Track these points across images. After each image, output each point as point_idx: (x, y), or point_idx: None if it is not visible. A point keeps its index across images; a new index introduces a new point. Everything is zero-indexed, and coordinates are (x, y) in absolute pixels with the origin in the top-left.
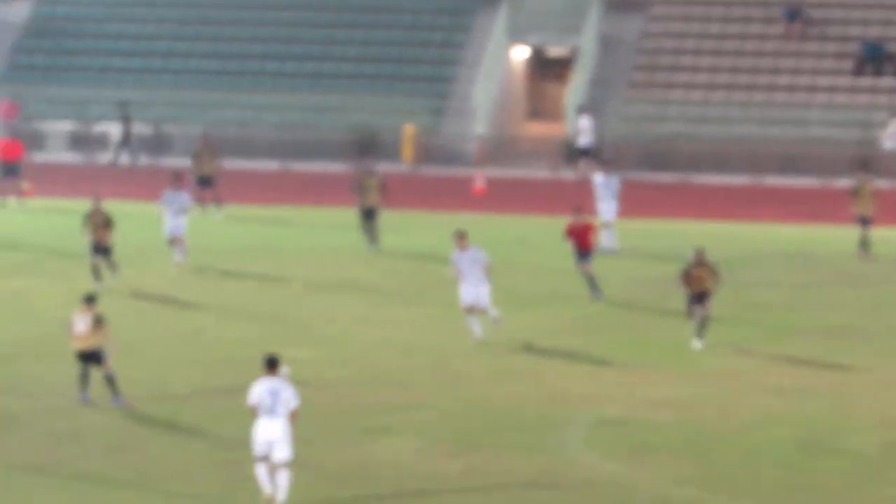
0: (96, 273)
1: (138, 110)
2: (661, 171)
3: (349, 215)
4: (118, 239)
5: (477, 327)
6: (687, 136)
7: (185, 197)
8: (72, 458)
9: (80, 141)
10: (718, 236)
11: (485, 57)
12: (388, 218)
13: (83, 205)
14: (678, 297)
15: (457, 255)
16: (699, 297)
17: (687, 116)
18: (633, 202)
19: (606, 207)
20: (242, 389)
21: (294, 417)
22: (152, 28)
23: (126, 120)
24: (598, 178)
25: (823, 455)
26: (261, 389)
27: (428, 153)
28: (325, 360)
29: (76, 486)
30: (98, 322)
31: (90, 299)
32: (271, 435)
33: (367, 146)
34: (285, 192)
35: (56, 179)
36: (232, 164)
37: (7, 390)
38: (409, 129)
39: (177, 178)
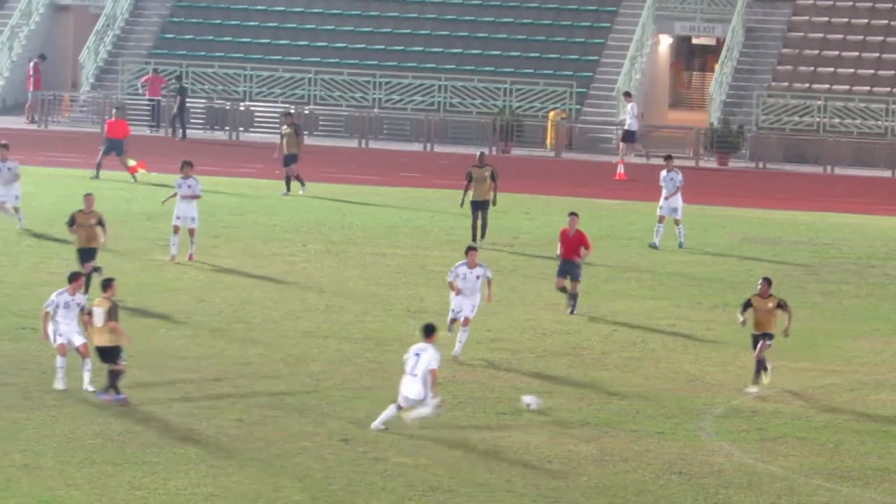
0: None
1: (285, 88)
2: (803, 163)
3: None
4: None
5: (460, 342)
6: (829, 129)
7: None
8: (202, 434)
9: (225, 118)
10: (858, 229)
11: (630, 44)
12: (532, 202)
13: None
14: (813, 286)
15: (465, 271)
16: (761, 336)
17: (830, 109)
18: (775, 193)
19: (665, 204)
20: (377, 370)
21: (433, 377)
22: (301, 6)
23: (182, 93)
24: (662, 173)
25: None
26: (410, 351)
27: (571, 139)
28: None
29: (207, 462)
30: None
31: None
32: (410, 393)
33: (511, 131)
34: (428, 175)
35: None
36: (376, 144)
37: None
38: (553, 115)
39: None
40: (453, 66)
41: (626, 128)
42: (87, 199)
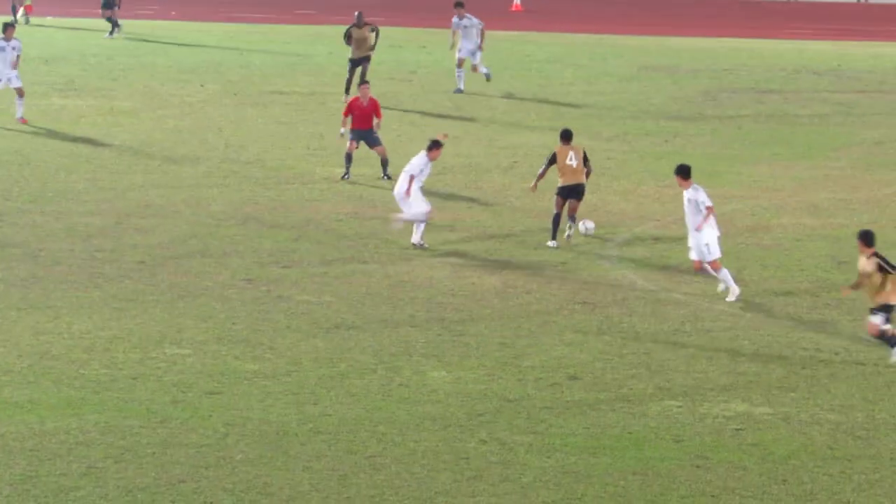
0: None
1: None
2: None
3: None
4: None
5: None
6: None
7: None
8: (105, 277)
9: None
10: (756, 54)
11: None
12: (428, 37)
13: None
14: (712, 111)
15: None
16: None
17: None
18: (672, 20)
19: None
20: (278, 208)
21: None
22: None
23: None
24: (454, 20)
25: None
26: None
27: None
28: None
29: (111, 305)
30: None
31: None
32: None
33: None
34: (324, 12)
35: None
36: None
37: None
38: None
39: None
40: None
41: None
42: None
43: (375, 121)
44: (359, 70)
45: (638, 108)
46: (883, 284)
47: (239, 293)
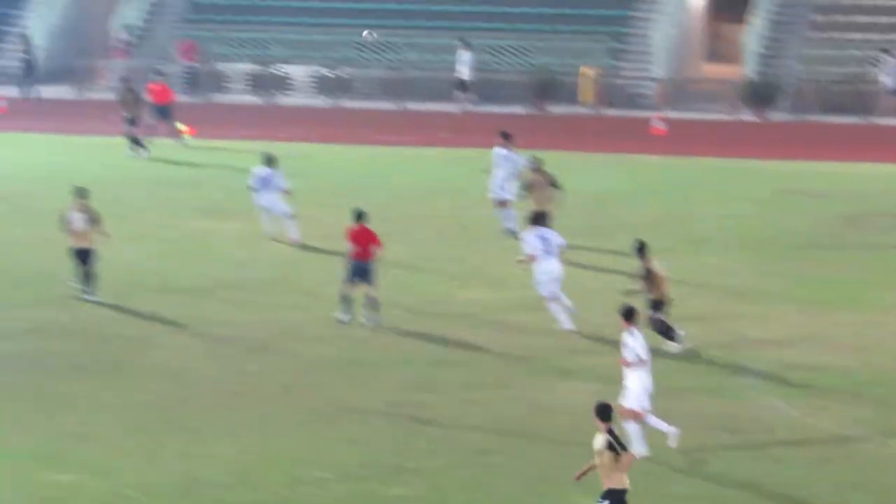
0: None
1: (319, 50)
2: (841, 113)
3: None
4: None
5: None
6: (868, 79)
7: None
8: (250, 401)
9: (259, 82)
10: None
11: None
12: (569, 159)
13: (259, 145)
14: (853, 237)
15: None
16: None
17: (867, 58)
18: (812, 145)
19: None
20: (420, 335)
21: None
22: None
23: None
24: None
25: None
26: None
27: (607, 95)
28: (503, 301)
29: (255, 429)
30: None
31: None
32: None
33: (546, 88)
34: (464, 134)
35: (235, 120)
36: (416, 105)
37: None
38: (587, 71)
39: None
40: (485, 25)
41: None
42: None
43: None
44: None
45: (776, 231)
46: None
47: (382, 417)
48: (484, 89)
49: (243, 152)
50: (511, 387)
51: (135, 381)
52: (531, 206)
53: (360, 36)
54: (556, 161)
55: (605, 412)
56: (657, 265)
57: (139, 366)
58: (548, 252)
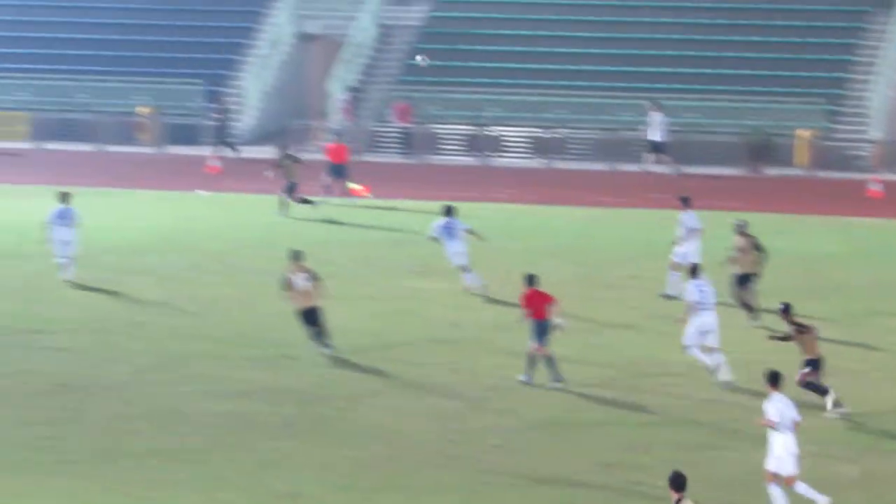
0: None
1: (533, 111)
2: None
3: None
4: None
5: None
6: None
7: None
8: (460, 458)
9: (473, 143)
10: None
11: (880, 60)
12: (783, 221)
13: (472, 206)
14: None
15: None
16: None
17: None
18: None
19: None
20: (638, 390)
21: None
22: (546, 30)
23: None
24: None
25: None
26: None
27: (822, 157)
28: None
29: (465, 488)
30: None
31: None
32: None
33: (761, 150)
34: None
35: (449, 181)
36: (626, 167)
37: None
38: (803, 134)
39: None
40: (701, 87)
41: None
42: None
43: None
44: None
45: None
46: None
47: (597, 478)
48: (697, 151)
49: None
50: (724, 448)
51: (345, 439)
52: (736, 269)
53: (504, 96)
54: (772, 223)
55: (676, 482)
56: (807, 326)
57: (350, 424)
58: (705, 304)
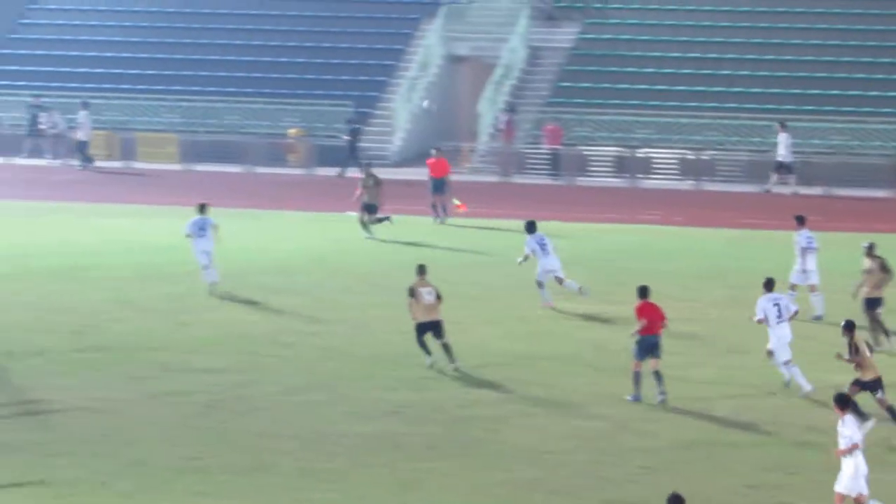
0: None
1: (682, 134)
2: None
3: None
4: None
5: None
6: None
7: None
8: (610, 481)
9: (622, 165)
10: None
11: None
12: None
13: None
14: None
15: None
16: None
17: None
18: None
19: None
20: (784, 411)
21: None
22: (697, 52)
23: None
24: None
25: None
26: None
27: None
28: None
29: None
30: None
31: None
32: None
33: None
34: (829, 219)
35: (598, 203)
36: (777, 189)
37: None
38: None
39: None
40: (849, 109)
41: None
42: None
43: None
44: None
45: None
46: None
47: (742, 499)
48: (845, 172)
49: (608, 233)
50: (871, 469)
51: (493, 460)
52: (864, 290)
53: (652, 117)
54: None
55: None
56: (864, 345)
57: (497, 445)
58: (780, 318)
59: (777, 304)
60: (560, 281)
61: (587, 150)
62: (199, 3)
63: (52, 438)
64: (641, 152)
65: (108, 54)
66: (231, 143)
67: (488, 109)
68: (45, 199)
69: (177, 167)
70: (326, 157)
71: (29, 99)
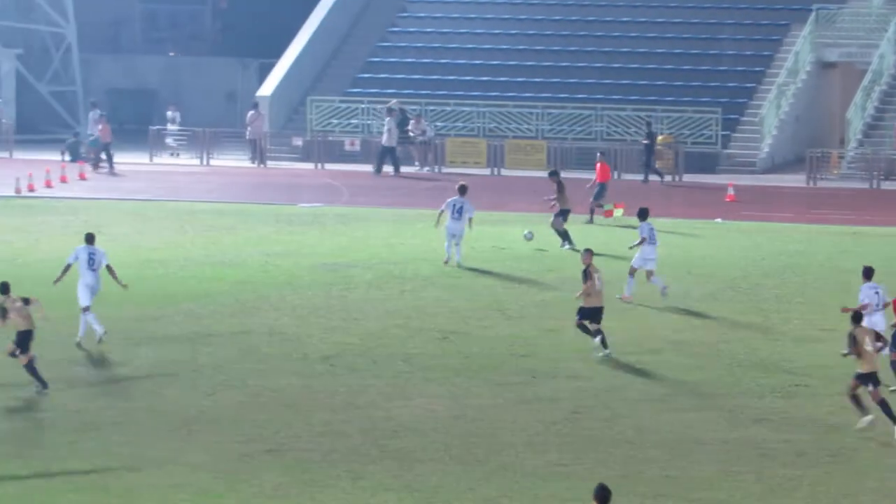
0: None
1: None
2: None
3: None
4: None
5: None
6: None
7: None
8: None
9: None
10: None
11: None
12: None
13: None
14: None
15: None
16: None
17: None
18: None
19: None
20: None
21: None
22: None
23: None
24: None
25: None
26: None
27: None
28: None
29: None
30: None
31: None
32: None
33: None
34: None
35: None
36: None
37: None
38: None
39: None
40: None
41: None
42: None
43: None
44: None
45: None
46: None
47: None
48: None
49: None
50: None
51: (870, 470)
52: None
53: None
54: None
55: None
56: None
57: (866, 453)
58: (878, 306)
59: (877, 292)
60: (650, 274)
61: None
62: (567, 11)
63: (414, 445)
64: None
65: (477, 62)
66: (596, 150)
67: (857, 116)
68: (410, 206)
69: (544, 174)
70: (694, 163)
71: (386, 106)
